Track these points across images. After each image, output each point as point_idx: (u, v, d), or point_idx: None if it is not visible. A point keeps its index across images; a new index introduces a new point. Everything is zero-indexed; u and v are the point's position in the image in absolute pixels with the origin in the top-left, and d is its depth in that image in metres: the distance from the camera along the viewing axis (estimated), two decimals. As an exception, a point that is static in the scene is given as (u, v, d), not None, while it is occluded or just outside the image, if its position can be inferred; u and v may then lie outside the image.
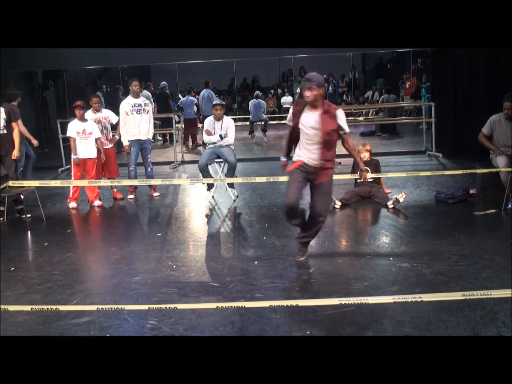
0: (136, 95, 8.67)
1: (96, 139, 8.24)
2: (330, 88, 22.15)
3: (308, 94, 4.86)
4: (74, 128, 8.16)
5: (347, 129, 5.07)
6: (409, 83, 19.07)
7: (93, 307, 4.19)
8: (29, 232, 7.07)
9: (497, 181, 7.13)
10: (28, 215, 7.54)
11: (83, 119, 8.17)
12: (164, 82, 15.71)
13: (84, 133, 8.11)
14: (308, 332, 3.94)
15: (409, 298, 3.75)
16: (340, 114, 4.98)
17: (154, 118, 9.89)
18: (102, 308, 3.99)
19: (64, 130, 12.09)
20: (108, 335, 3.98)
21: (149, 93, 14.59)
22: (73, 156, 8.23)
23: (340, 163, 11.14)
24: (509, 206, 6.89)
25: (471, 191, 7.65)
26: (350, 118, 17.40)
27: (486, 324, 3.89)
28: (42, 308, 3.93)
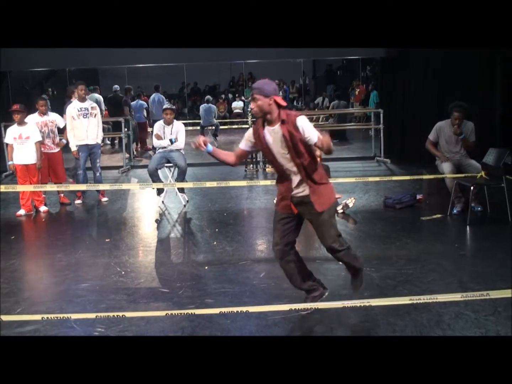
0: (82, 99, 8.50)
1: (35, 143, 7.92)
2: (281, 93, 22.31)
3: (252, 105, 3.92)
4: (11, 133, 7.93)
5: (314, 138, 3.81)
6: (358, 90, 19.39)
7: (38, 316, 4.07)
8: (-29, 238, 6.84)
9: (443, 186, 7.29)
10: (-30, 221, 7.30)
11: (22, 123, 7.90)
12: (116, 86, 15.48)
13: (21, 138, 7.85)
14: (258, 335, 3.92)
15: (358, 303, 3.79)
16: (301, 121, 3.84)
17: (104, 122, 9.73)
18: (47, 317, 3.87)
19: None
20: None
21: (100, 96, 14.34)
22: (7, 162, 8.04)
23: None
24: (454, 211, 7.06)
25: (418, 197, 7.81)
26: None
27: (432, 327, 3.96)
28: (-16, 318, 3.79)
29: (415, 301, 3.69)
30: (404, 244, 6.00)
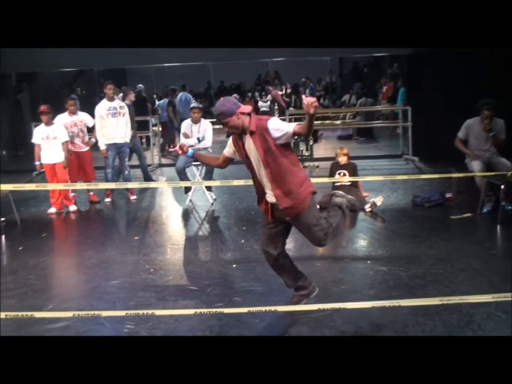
0: (111, 99, 8.60)
1: (63, 143, 8.03)
2: (307, 91, 22.23)
3: (227, 129, 3.95)
4: (39, 134, 8.05)
5: (289, 129, 3.76)
6: (386, 87, 19.22)
7: (69, 313, 4.14)
8: (3, 236, 6.96)
9: (473, 185, 7.20)
10: (2, 219, 7.42)
11: (49, 123, 8.02)
12: (140, 85, 15.60)
13: (48, 138, 7.97)
14: (286, 335, 3.93)
15: (387, 303, 3.78)
16: (271, 123, 3.81)
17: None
18: (78, 314, 3.93)
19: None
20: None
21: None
22: (35, 162, 8.17)
23: (317, 166, 11.19)
24: (484, 210, 6.97)
25: (447, 195, 7.73)
26: (327, 121, 17.47)
27: (462, 327, 3.92)
28: (17, 315, 3.86)
29: (445, 302, 3.66)
30: (433, 243, 5.94)
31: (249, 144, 3.91)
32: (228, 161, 4.31)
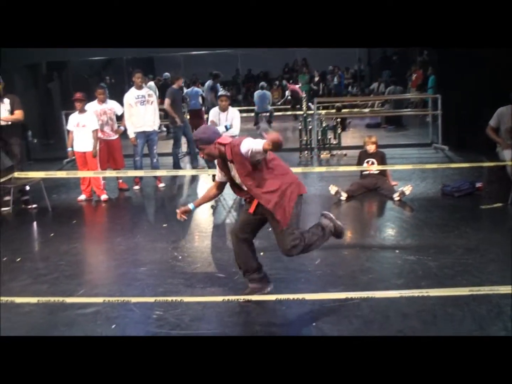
0: (139, 87, 8.66)
1: (93, 131, 8.08)
2: (335, 79, 22.08)
3: (201, 155, 4.23)
4: (72, 121, 8.15)
5: (259, 147, 3.80)
6: (415, 75, 18.98)
7: (99, 299, 4.21)
8: (35, 222, 7.09)
9: (504, 174, 7.10)
10: (33, 206, 7.57)
11: (82, 111, 8.10)
12: (166, 73, 15.67)
13: (79, 126, 8.06)
14: (314, 324, 3.94)
15: (416, 292, 3.75)
16: (243, 147, 3.89)
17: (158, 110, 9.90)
18: (108, 300, 3.99)
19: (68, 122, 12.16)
20: (114, 326, 4.00)
21: (154, 85, 14.57)
22: (67, 149, 8.28)
23: (345, 154, 11.13)
24: (516, 199, 6.87)
25: (478, 185, 7.62)
26: (355, 109, 17.35)
27: (492, 318, 3.88)
28: (49, 300, 3.94)
29: (475, 292, 3.62)
30: (463, 233, 5.88)
31: (232, 170, 4.15)
32: (223, 185, 4.48)
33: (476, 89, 10.92)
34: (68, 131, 8.28)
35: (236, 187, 4.28)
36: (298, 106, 16.29)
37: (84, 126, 8.03)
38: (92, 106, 8.47)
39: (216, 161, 4.35)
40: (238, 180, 4.16)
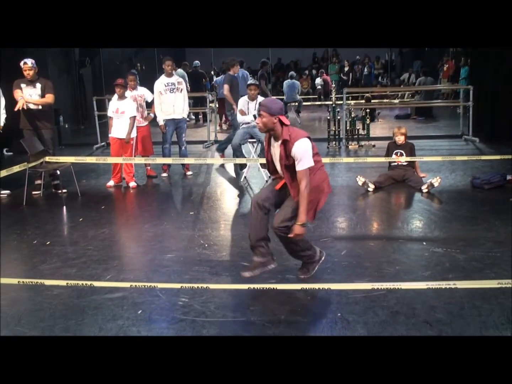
0: (169, 75, 8.68)
1: (130, 118, 8.12)
2: (365, 69, 21.88)
3: (257, 121, 4.22)
4: (111, 107, 8.22)
5: (301, 165, 4.08)
6: (447, 65, 18.71)
7: (126, 284, 4.26)
8: (64, 207, 7.20)
9: (536, 167, 6.98)
10: (64, 190, 7.68)
11: (122, 97, 8.15)
12: (197, 61, 15.68)
13: (117, 112, 8.11)
14: (339, 314, 3.93)
15: (443, 284, 3.72)
16: (298, 146, 4.09)
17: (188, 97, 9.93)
18: (135, 286, 4.04)
19: (99, 107, 12.28)
20: (140, 311, 4.04)
21: (184, 72, 14.60)
22: (109, 135, 8.34)
23: (374, 145, 11.05)
24: (548, 193, 6.75)
25: (509, 177, 7.49)
26: (385, 100, 17.18)
27: (520, 312, 3.83)
28: (77, 284, 4.00)
29: (503, 285, 3.57)
30: (492, 226, 5.79)
31: (275, 149, 4.29)
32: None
33: (508, 80, 10.74)
34: (110, 118, 8.32)
35: (272, 166, 4.43)
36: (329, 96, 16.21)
37: (123, 113, 8.09)
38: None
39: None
40: (276, 162, 4.31)
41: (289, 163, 4.17)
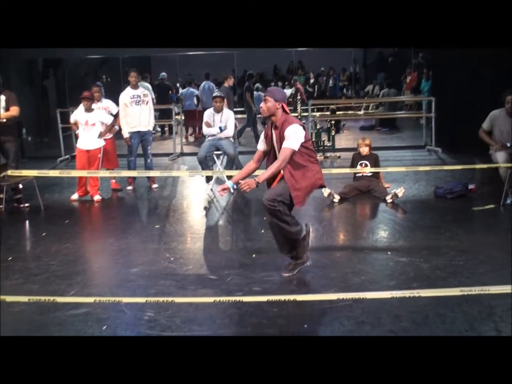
0: (135, 87, 8.64)
1: (107, 126, 8.13)
2: (330, 81, 22.11)
3: (262, 105, 4.60)
4: (77, 117, 8.14)
5: (287, 143, 4.46)
6: (410, 77, 19.04)
7: (90, 299, 4.19)
8: (27, 221, 7.08)
9: (496, 176, 7.12)
10: (26, 205, 7.54)
11: (89, 110, 8.07)
12: (163, 73, 15.64)
13: (87, 124, 8.02)
14: (305, 325, 3.94)
15: (407, 293, 3.76)
16: (290, 128, 4.48)
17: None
18: (99, 300, 3.98)
19: (63, 120, 12.12)
20: (105, 327, 3.98)
21: (148, 85, 14.54)
22: (76, 131, 8.30)
23: (339, 157, 11.14)
24: (508, 201, 6.88)
25: (470, 186, 7.64)
26: (350, 112, 17.37)
27: (483, 319, 3.89)
28: (40, 299, 3.92)
29: (466, 293, 3.62)
30: (455, 234, 5.89)
31: (274, 135, 4.67)
32: (262, 157, 4.90)
33: (468, 92, 10.98)
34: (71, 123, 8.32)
35: (273, 157, 4.72)
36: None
37: (93, 125, 8.02)
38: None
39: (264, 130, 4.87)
40: (276, 145, 4.65)
41: (281, 143, 4.52)
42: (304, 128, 4.63)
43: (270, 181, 4.76)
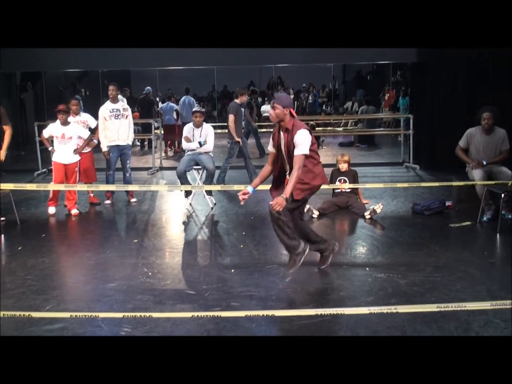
0: (114, 100, 8.62)
1: (84, 140, 8.08)
2: (310, 98, 22.27)
3: (271, 112, 4.87)
4: (53, 131, 8.01)
5: (298, 150, 4.72)
6: (388, 95, 19.26)
7: (66, 314, 4.13)
8: (2, 235, 6.96)
9: (473, 193, 7.21)
10: (2, 218, 7.43)
11: (65, 123, 8.00)
12: (148, 88, 15.62)
13: (63, 138, 7.94)
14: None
15: (385, 309, 3.77)
16: (299, 134, 4.74)
17: (135, 124, 9.85)
18: (75, 316, 3.93)
19: (41, 133, 12.01)
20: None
21: (124, 98, 14.50)
22: (50, 148, 8.16)
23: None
24: (484, 218, 6.97)
25: (447, 203, 7.72)
26: (329, 128, 17.50)
27: (460, 335, 3.91)
28: (15, 315, 3.86)
29: (442, 309, 3.65)
30: (432, 251, 5.94)
31: (282, 138, 4.93)
32: (275, 157, 5.09)
33: (445, 109, 11.14)
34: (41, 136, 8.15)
35: (280, 161, 5.02)
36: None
37: (70, 138, 7.94)
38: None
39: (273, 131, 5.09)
40: (284, 149, 4.91)
41: (292, 149, 4.75)
42: (310, 131, 4.84)
43: (275, 185, 5.10)
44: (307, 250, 5.01)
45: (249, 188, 5.02)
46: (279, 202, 4.58)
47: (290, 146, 4.79)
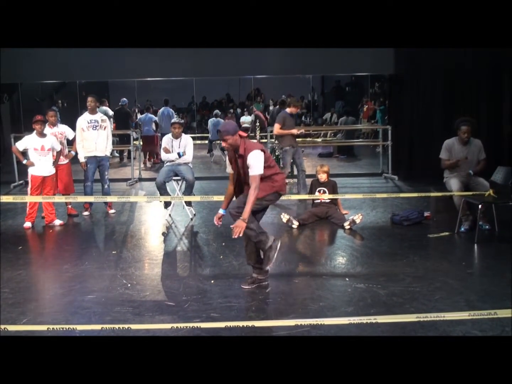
0: (92, 112, 8.57)
1: (57, 153, 8.02)
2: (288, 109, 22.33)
3: (224, 144, 5.01)
4: (30, 143, 7.87)
5: (252, 171, 4.88)
6: (367, 106, 19.42)
7: (43, 327, 4.07)
8: (-22, 248, 6.86)
9: (451, 204, 7.27)
10: (-22, 231, 7.33)
11: (42, 134, 7.92)
12: (124, 99, 15.56)
13: (43, 150, 7.83)
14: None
15: (364, 319, 3.78)
16: (251, 156, 4.88)
17: (113, 135, 9.78)
18: (53, 328, 3.87)
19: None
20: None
21: (108, 109, 14.43)
22: (23, 161, 7.99)
23: (298, 183, 11.21)
24: (462, 229, 7.04)
25: (426, 214, 7.79)
26: (308, 139, 17.57)
27: (439, 345, 3.93)
28: (-11, 327, 3.78)
29: (422, 319, 3.66)
30: (411, 261, 5.97)
31: (238, 161, 5.06)
32: (236, 176, 5.23)
33: (422, 121, 11.28)
34: (14, 148, 8.05)
35: (236, 176, 5.16)
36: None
37: (49, 150, 7.87)
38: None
39: (227, 154, 5.25)
40: (240, 169, 5.05)
41: (247, 169, 4.89)
42: (262, 149, 4.98)
43: (238, 192, 5.23)
44: (279, 244, 5.18)
45: (221, 211, 5.24)
46: (238, 226, 4.75)
47: (246, 169, 4.95)
